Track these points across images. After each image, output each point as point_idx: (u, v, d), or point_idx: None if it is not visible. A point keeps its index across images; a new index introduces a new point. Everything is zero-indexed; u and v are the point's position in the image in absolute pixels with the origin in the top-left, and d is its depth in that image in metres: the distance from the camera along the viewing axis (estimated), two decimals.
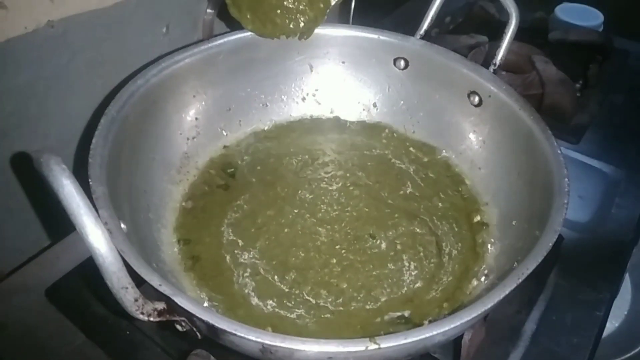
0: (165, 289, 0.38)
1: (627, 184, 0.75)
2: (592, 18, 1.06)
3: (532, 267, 0.42)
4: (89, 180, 0.44)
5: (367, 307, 0.52)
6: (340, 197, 0.63)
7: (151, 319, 0.39)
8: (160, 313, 0.39)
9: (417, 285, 0.55)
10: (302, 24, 0.62)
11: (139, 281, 0.39)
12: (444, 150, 0.68)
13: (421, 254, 0.57)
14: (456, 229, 0.60)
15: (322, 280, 0.54)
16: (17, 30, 0.52)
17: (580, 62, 0.94)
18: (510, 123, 0.59)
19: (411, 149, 0.69)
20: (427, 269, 0.56)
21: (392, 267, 0.56)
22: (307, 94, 0.72)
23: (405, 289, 0.54)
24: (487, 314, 0.44)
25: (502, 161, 0.62)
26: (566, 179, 0.49)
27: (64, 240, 0.62)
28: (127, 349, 0.52)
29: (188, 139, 0.64)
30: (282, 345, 0.36)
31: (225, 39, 0.64)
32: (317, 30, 0.65)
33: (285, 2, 0.60)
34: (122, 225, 0.44)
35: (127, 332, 0.53)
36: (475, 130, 0.65)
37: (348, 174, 0.66)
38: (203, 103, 0.64)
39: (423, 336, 0.37)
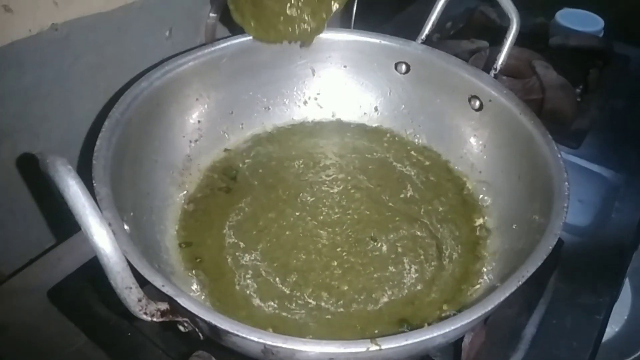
0: (168, 290, 0.38)
1: (627, 189, 0.75)
2: (593, 24, 1.06)
3: (532, 271, 0.42)
4: (93, 181, 0.44)
5: (368, 309, 0.53)
6: (342, 200, 0.63)
7: (154, 319, 0.39)
8: (163, 313, 0.40)
9: (418, 287, 0.55)
10: (304, 30, 0.62)
11: (141, 282, 0.39)
12: (444, 154, 0.68)
13: (422, 256, 0.58)
14: (456, 232, 0.60)
15: (323, 283, 0.54)
16: (22, 33, 0.52)
17: (581, 67, 0.94)
18: (511, 127, 0.60)
19: (412, 152, 0.69)
20: (427, 272, 0.56)
21: (393, 269, 0.56)
22: (309, 98, 0.72)
23: (406, 291, 0.54)
24: (487, 316, 0.44)
25: (502, 165, 0.62)
26: (566, 183, 0.50)
27: (66, 242, 0.62)
28: (129, 350, 0.52)
29: (191, 141, 0.64)
30: (284, 346, 0.36)
31: (228, 43, 0.64)
32: (319, 35, 0.66)
33: (287, 11, 0.61)
34: (125, 227, 0.44)
35: (129, 334, 0.53)
36: (476, 134, 0.65)
37: (349, 177, 0.66)
38: (206, 106, 0.65)
39: (424, 338, 0.37)
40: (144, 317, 0.39)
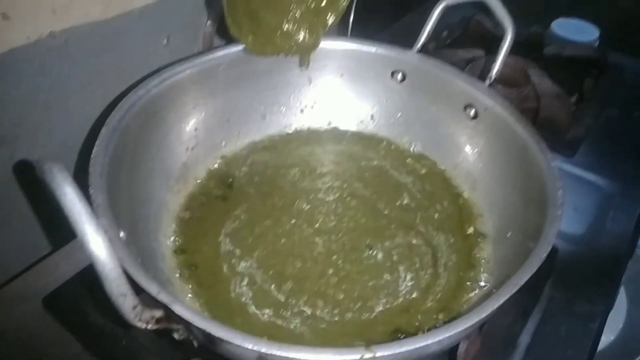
0: (163, 297, 0.38)
1: (622, 197, 0.76)
2: (588, 33, 1.07)
3: (525, 278, 0.42)
4: (90, 188, 0.45)
5: (363, 317, 0.53)
6: (338, 208, 0.63)
7: (149, 326, 0.39)
8: (157, 321, 0.40)
9: (413, 295, 0.55)
10: (301, 44, 0.62)
11: (137, 290, 0.39)
12: (440, 162, 0.69)
13: (417, 264, 0.58)
14: (452, 240, 0.60)
15: (318, 291, 0.55)
16: (20, 41, 0.52)
17: (576, 76, 0.95)
18: (506, 136, 0.60)
19: (408, 160, 0.70)
20: (423, 280, 0.56)
21: (388, 277, 0.56)
22: (306, 106, 0.73)
23: (401, 299, 0.55)
24: (481, 324, 0.44)
25: (497, 173, 0.62)
26: (560, 192, 0.50)
27: (62, 250, 0.62)
28: (124, 358, 0.52)
29: (187, 149, 0.64)
30: (279, 353, 0.36)
31: (226, 51, 0.64)
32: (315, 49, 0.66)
33: (285, 26, 0.61)
34: (121, 234, 0.44)
35: (124, 342, 0.53)
36: (472, 142, 0.66)
37: (345, 185, 0.66)
38: (203, 114, 0.65)
39: (418, 345, 0.37)
40: (139, 324, 0.39)
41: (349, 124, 0.74)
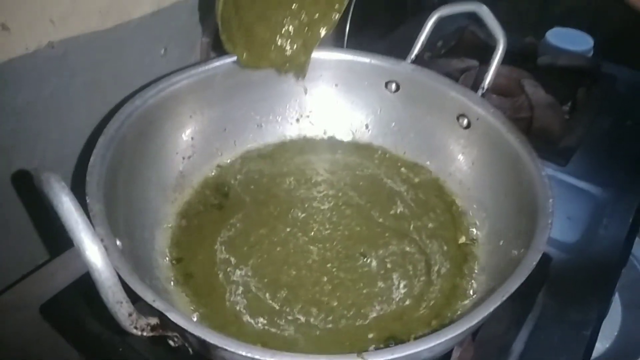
0: (158, 305, 0.39)
1: (614, 206, 0.76)
2: (583, 43, 1.08)
3: (515, 286, 0.43)
4: (87, 197, 0.45)
5: (357, 324, 0.53)
6: (332, 216, 0.64)
7: (144, 333, 0.40)
8: (153, 328, 0.40)
9: (407, 303, 0.55)
10: (294, 58, 0.63)
11: (133, 298, 0.40)
12: (434, 171, 0.70)
13: (411, 272, 0.58)
14: (445, 248, 0.61)
15: (312, 299, 0.55)
16: (19, 51, 0.53)
17: (569, 86, 0.96)
18: (498, 145, 0.61)
19: (402, 169, 0.70)
20: (416, 287, 0.57)
21: (382, 285, 0.57)
22: (301, 115, 0.74)
23: (395, 306, 0.55)
24: (472, 331, 0.45)
25: (490, 182, 0.63)
26: (550, 200, 0.51)
27: (59, 258, 0.62)
28: None
29: (184, 158, 0.65)
30: None
31: (222, 62, 0.65)
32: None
33: (278, 41, 0.62)
34: (118, 242, 0.44)
35: (120, 349, 0.53)
36: (465, 152, 0.67)
37: (340, 194, 0.67)
38: (199, 123, 0.66)
39: (409, 352, 0.38)
40: (135, 331, 0.39)
41: (344, 133, 0.74)
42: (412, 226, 0.63)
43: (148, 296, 0.39)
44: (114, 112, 0.56)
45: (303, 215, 0.64)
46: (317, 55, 0.68)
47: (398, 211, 0.65)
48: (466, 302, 0.56)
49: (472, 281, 0.58)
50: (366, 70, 0.70)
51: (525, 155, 0.56)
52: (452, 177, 0.68)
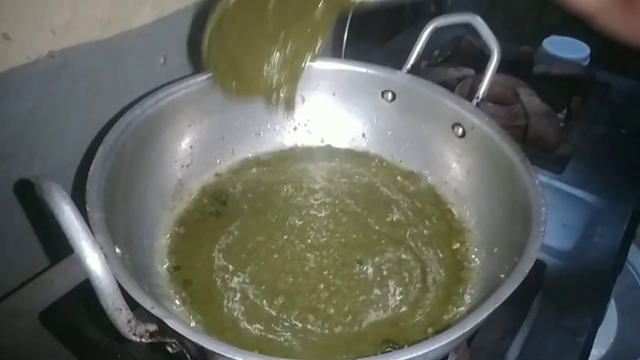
0: (157, 312, 0.39)
1: (609, 213, 0.77)
2: (579, 51, 1.09)
3: (508, 293, 0.43)
4: (87, 206, 0.46)
5: (353, 330, 0.54)
6: (329, 224, 0.65)
7: (143, 340, 0.40)
8: (152, 335, 0.41)
9: (403, 309, 0.56)
10: (281, 84, 0.62)
11: (132, 305, 0.40)
12: (429, 179, 0.70)
13: (406, 279, 0.59)
14: (441, 255, 0.62)
15: (309, 305, 0.56)
16: (20, 60, 0.53)
17: (564, 94, 0.97)
18: (492, 154, 0.61)
19: (398, 177, 0.71)
20: (412, 294, 0.57)
21: (378, 292, 0.57)
22: (299, 124, 0.74)
23: (391, 313, 0.56)
24: (467, 337, 0.45)
25: (484, 190, 0.64)
26: (543, 209, 0.51)
27: (57, 265, 0.63)
28: None
29: (182, 166, 0.65)
30: None
31: None
32: (309, 64, 0.65)
33: (265, 71, 0.61)
34: (117, 250, 0.45)
35: (119, 356, 0.53)
36: (460, 160, 0.67)
37: (337, 201, 0.68)
38: (198, 132, 0.66)
39: (404, 358, 0.38)
40: (133, 338, 0.40)
41: (341, 142, 0.75)
42: (408, 234, 0.64)
43: (147, 303, 0.40)
44: (114, 121, 0.56)
45: (300, 222, 0.64)
46: (315, 65, 0.68)
47: (394, 219, 0.66)
48: (461, 308, 0.57)
49: (467, 288, 0.58)
50: (363, 80, 0.71)
51: (519, 163, 0.57)
52: (448, 186, 0.68)
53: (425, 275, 0.59)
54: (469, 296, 0.58)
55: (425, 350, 0.39)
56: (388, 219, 0.66)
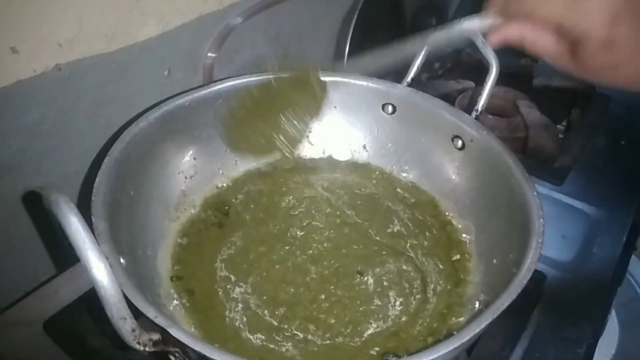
0: (160, 321, 0.40)
1: (608, 224, 0.78)
2: None
3: (507, 303, 0.44)
4: (92, 217, 0.47)
5: (354, 341, 0.54)
6: (330, 235, 0.65)
7: (147, 348, 0.41)
8: (155, 343, 0.41)
9: (403, 319, 0.56)
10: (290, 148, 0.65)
11: (136, 314, 0.41)
12: (430, 191, 0.71)
13: (407, 290, 0.59)
14: (441, 266, 0.62)
15: (310, 316, 0.56)
16: (27, 73, 0.54)
17: (564, 107, 0.98)
18: (491, 166, 0.62)
19: (399, 189, 0.72)
20: (412, 305, 0.58)
21: (379, 302, 0.58)
22: None
23: (391, 323, 0.56)
24: (466, 347, 0.46)
25: (484, 202, 0.64)
26: (541, 220, 0.52)
27: (62, 275, 0.63)
28: None
29: (186, 178, 0.66)
30: None
31: (224, 84, 0.67)
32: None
33: (276, 140, 0.64)
34: (122, 260, 0.46)
35: None
36: (459, 172, 0.68)
37: (338, 212, 0.68)
38: (202, 144, 0.67)
39: None
40: (137, 346, 0.41)
41: (343, 153, 0.76)
42: (408, 244, 0.65)
43: (150, 312, 0.40)
44: (119, 133, 0.57)
45: (302, 233, 0.65)
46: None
47: (395, 230, 0.66)
48: (461, 319, 0.57)
49: (467, 298, 0.59)
50: (364, 93, 0.72)
51: (518, 175, 0.58)
52: (447, 197, 0.69)
53: (426, 285, 0.60)
54: (468, 307, 0.58)
55: None
56: (389, 230, 0.66)
